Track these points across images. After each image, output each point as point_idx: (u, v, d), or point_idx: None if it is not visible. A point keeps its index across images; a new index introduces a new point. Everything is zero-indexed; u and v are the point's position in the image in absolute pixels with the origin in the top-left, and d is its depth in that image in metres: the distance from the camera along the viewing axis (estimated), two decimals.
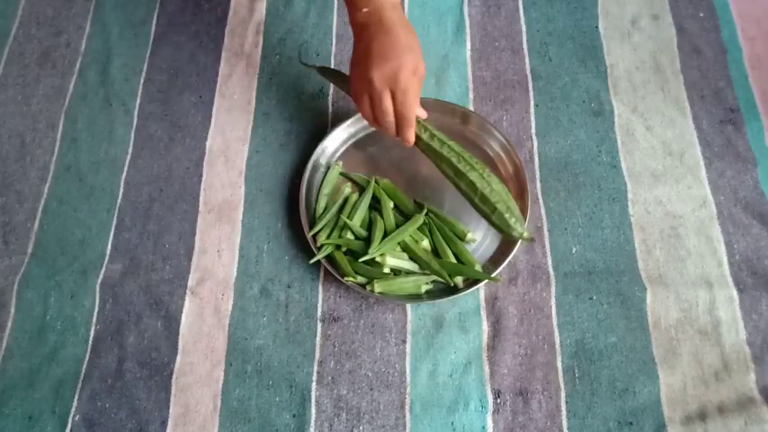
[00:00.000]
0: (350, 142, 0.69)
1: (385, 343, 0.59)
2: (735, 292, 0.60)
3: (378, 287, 0.58)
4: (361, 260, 0.59)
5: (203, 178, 0.66)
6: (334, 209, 0.64)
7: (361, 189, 0.66)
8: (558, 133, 0.68)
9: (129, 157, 0.68)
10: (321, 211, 0.65)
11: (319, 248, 0.61)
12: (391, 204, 0.64)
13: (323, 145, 0.67)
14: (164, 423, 0.56)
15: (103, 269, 0.62)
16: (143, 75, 0.73)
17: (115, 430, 0.56)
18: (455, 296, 0.59)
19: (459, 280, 0.60)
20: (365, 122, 0.64)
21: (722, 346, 0.57)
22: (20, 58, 0.74)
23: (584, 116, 0.69)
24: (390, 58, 0.50)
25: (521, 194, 0.63)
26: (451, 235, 0.62)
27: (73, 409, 0.56)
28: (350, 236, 0.62)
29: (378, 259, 0.59)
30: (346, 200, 0.65)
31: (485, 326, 0.59)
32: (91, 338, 0.59)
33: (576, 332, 0.58)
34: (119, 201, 0.65)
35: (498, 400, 0.56)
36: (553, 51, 0.73)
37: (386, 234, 0.62)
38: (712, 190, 0.64)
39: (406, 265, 0.61)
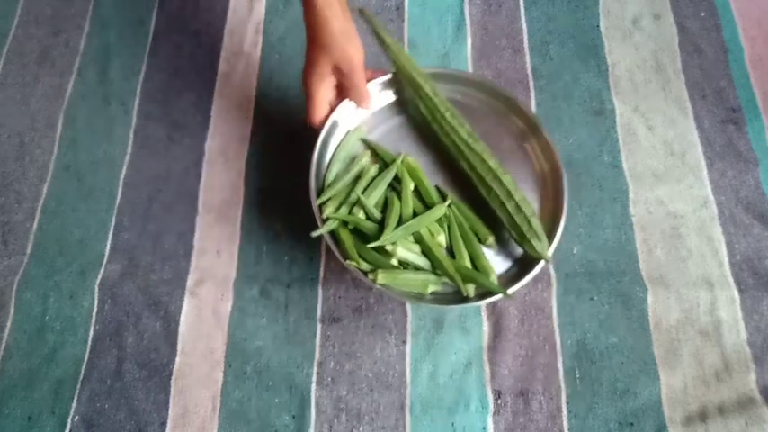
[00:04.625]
0: (377, 108, 0.62)
1: (385, 344, 0.58)
2: (736, 293, 0.59)
3: (382, 278, 0.52)
4: (370, 245, 0.52)
5: (202, 178, 0.66)
6: (347, 179, 0.56)
7: (383, 163, 0.59)
8: (560, 133, 0.68)
9: (128, 157, 0.68)
10: (332, 179, 0.57)
11: (324, 222, 0.54)
12: (412, 186, 0.57)
13: (347, 104, 0.59)
14: (163, 424, 0.56)
15: (102, 269, 0.62)
16: (142, 74, 0.72)
17: (114, 431, 0.55)
18: (461, 305, 0.55)
19: (471, 288, 0.53)
20: (395, 87, 0.62)
21: (723, 346, 0.57)
22: (19, 57, 0.74)
23: (585, 116, 0.69)
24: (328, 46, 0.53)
25: (554, 201, 0.57)
26: (471, 235, 0.55)
27: (72, 409, 0.56)
28: (361, 215, 0.55)
29: (388, 248, 0.53)
30: (362, 172, 0.58)
31: (485, 326, 0.59)
32: (90, 339, 0.59)
33: (577, 333, 0.58)
34: (117, 201, 0.65)
35: (499, 401, 0.56)
36: (554, 50, 0.73)
37: (401, 221, 0.55)
38: (713, 190, 0.64)
39: (417, 259, 0.54)
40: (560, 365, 0.57)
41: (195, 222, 0.64)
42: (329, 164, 0.59)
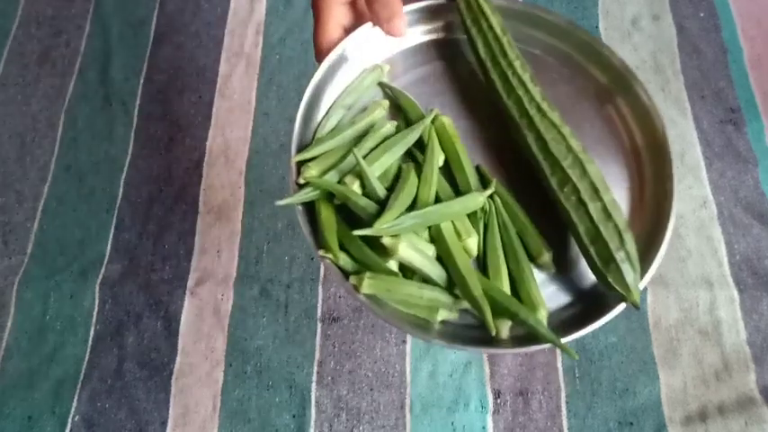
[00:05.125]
0: (409, 43, 0.44)
1: (385, 343, 0.58)
2: (735, 293, 0.59)
3: (368, 286, 0.35)
4: (358, 232, 0.34)
5: (203, 178, 0.66)
6: (348, 134, 0.40)
7: (404, 122, 0.41)
8: None
9: (128, 157, 0.68)
10: (327, 131, 0.40)
11: (301, 187, 0.37)
12: (441, 159, 0.39)
13: (367, 31, 0.41)
14: (163, 423, 0.56)
15: (103, 269, 0.62)
16: (143, 75, 0.73)
17: (115, 431, 0.56)
18: (486, 349, 0.39)
19: (504, 327, 0.35)
20: (440, 19, 0.44)
21: (722, 346, 0.57)
22: (19, 57, 0.74)
23: None
24: None
25: (654, 203, 0.39)
26: (518, 246, 0.38)
27: (72, 409, 0.56)
28: (357, 186, 0.37)
29: (386, 242, 0.34)
30: (371, 128, 0.40)
31: None
32: (90, 339, 0.59)
33: None
34: (118, 201, 0.65)
35: (498, 401, 0.56)
36: None
37: (415, 206, 0.37)
38: (713, 190, 0.64)
39: (428, 267, 0.36)
40: (560, 365, 0.57)
41: (196, 222, 0.64)
42: (329, 111, 0.41)
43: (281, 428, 0.55)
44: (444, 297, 0.36)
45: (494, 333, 0.34)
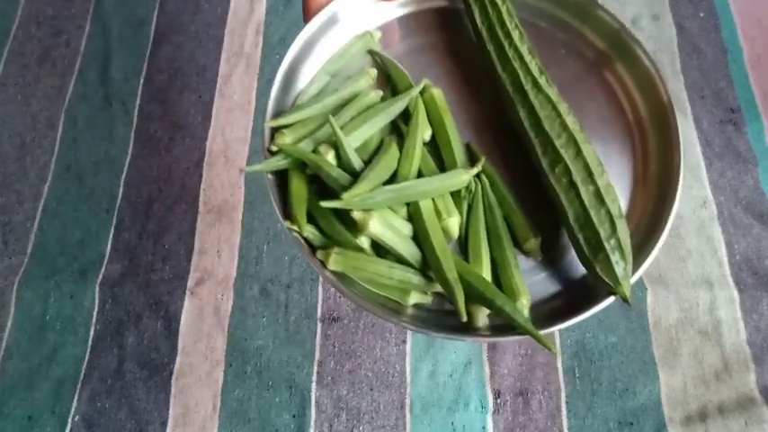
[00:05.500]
0: (405, 10, 0.42)
1: (385, 343, 0.58)
2: (735, 293, 0.59)
3: (335, 262, 0.33)
4: (325, 203, 0.32)
5: (203, 178, 0.66)
6: (329, 102, 0.37)
7: (392, 92, 0.39)
8: None
9: (128, 157, 0.68)
10: (308, 98, 0.38)
11: (274, 155, 0.35)
12: (428, 134, 0.37)
13: None
14: (163, 423, 0.56)
15: (103, 269, 0.62)
16: (143, 75, 0.73)
17: (115, 431, 0.56)
18: (459, 337, 0.33)
19: (480, 315, 0.33)
20: None
21: (722, 346, 0.57)
22: (20, 57, 0.74)
23: None
24: None
25: (657, 187, 0.36)
26: (504, 230, 0.35)
27: (72, 409, 0.56)
28: (331, 156, 0.35)
29: (356, 216, 0.32)
30: (355, 97, 0.38)
31: None
32: (90, 339, 0.59)
33: (577, 332, 0.58)
34: (118, 201, 0.65)
35: (498, 400, 0.56)
36: None
37: (394, 179, 0.35)
38: (713, 190, 0.64)
39: (402, 245, 0.33)
40: (560, 365, 0.57)
41: (196, 222, 0.64)
42: (313, 78, 0.39)
43: (281, 428, 0.55)
44: (416, 278, 0.34)
45: (463, 319, 0.31)
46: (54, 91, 0.72)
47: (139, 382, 0.57)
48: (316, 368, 0.57)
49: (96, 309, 0.60)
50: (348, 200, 0.32)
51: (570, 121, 0.34)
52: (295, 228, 0.34)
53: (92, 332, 0.59)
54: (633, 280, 0.32)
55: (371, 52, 0.40)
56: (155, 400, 0.56)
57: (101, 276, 0.62)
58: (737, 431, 0.54)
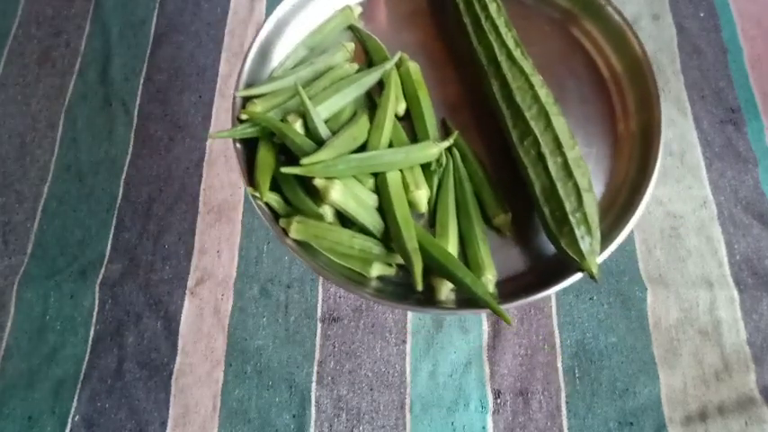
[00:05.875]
0: None
1: (385, 343, 0.58)
2: (735, 293, 0.59)
3: (296, 230, 0.33)
4: (285, 169, 0.32)
5: (203, 178, 0.66)
6: (304, 74, 0.37)
7: (368, 64, 0.40)
8: None
9: (128, 157, 0.68)
10: (283, 70, 0.39)
11: (240, 122, 0.36)
12: (402, 108, 0.37)
13: None
14: (163, 423, 0.56)
15: (103, 269, 0.62)
16: (143, 75, 0.73)
17: (115, 431, 0.56)
18: (417, 310, 0.35)
19: (443, 288, 0.33)
20: None
21: (722, 346, 0.57)
22: (19, 57, 0.74)
23: None
24: None
25: (639, 159, 0.34)
26: (473, 205, 0.35)
27: (72, 409, 0.56)
28: (299, 126, 0.35)
29: (318, 183, 0.32)
30: (329, 70, 0.38)
31: (485, 326, 0.59)
32: (90, 339, 0.59)
33: (577, 332, 0.58)
34: (118, 201, 0.65)
35: (498, 401, 0.56)
36: None
37: (363, 149, 0.35)
38: (713, 190, 0.64)
39: (364, 215, 0.33)
40: (560, 365, 0.57)
41: (196, 222, 0.64)
42: (290, 51, 0.39)
43: (281, 428, 0.55)
44: (378, 249, 0.33)
45: (419, 288, 0.31)
46: (54, 91, 0.72)
47: (139, 382, 0.57)
48: (316, 368, 0.57)
49: (96, 309, 0.60)
50: (308, 166, 0.31)
51: (543, 93, 0.34)
52: (257, 194, 0.34)
53: (92, 332, 0.59)
54: (615, 245, 0.31)
55: (352, 28, 0.40)
56: (155, 400, 0.56)
57: (101, 276, 0.62)
58: (737, 431, 0.54)
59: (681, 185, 0.65)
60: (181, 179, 0.66)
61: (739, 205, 0.63)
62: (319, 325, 0.59)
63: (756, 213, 0.63)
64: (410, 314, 0.60)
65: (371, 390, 0.56)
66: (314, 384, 0.57)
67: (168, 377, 0.57)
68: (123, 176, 0.67)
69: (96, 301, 0.61)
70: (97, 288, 0.61)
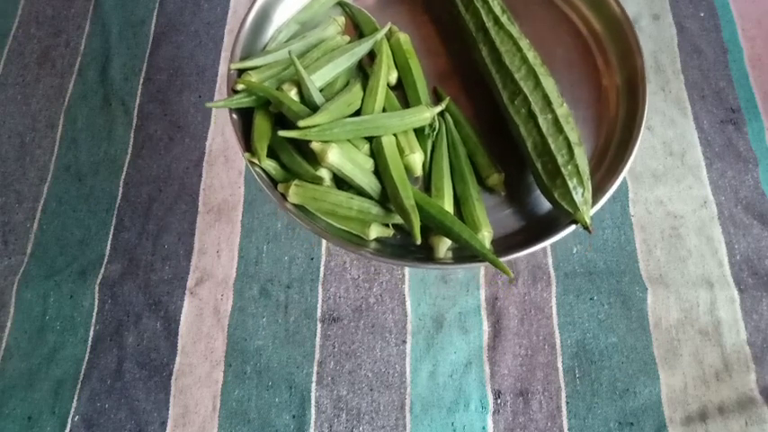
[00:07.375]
0: None
1: (385, 343, 0.58)
2: (735, 293, 0.59)
3: (294, 194, 0.34)
4: (282, 132, 0.33)
5: (203, 178, 0.66)
6: (297, 46, 0.39)
7: (359, 36, 0.41)
8: None
9: (128, 157, 0.68)
10: (276, 44, 0.40)
11: (235, 93, 0.37)
12: (393, 77, 0.39)
13: None
14: (163, 424, 0.56)
15: (102, 269, 0.62)
16: (142, 74, 0.73)
17: (115, 431, 0.56)
18: (416, 265, 0.35)
19: (442, 245, 0.34)
20: None
21: (723, 346, 0.57)
22: (19, 57, 0.74)
23: None
24: None
25: (625, 117, 0.36)
26: (467, 166, 0.37)
27: (72, 409, 0.56)
28: (294, 94, 0.36)
29: (314, 146, 0.33)
30: (320, 42, 0.39)
31: (485, 326, 0.59)
32: (90, 339, 0.59)
33: (577, 332, 0.58)
34: (118, 201, 0.65)
35: (498, 401, 0.56)
36: None
37: (357, 114, 0.36)
38: (713, 190, 0.64)
39: (361, 177, 0.35)
40: (560, 365, 0.57)
41: (195, 222, 0.64)
42: (282, 25, 0.41)
43: (281, 428, 0.55)
44: (376, 209, 0.34)
45: (418, 242, 0.32)
46: (54, 91, 0.72)
47: (139, 383, 0.57)
48: (315, 368, 0.57)
49: (96, 309, 0.60)
50: (305, 130, 0.33)
51: (531, 55, 0.36)
52: (255, 160, 0.35)
53: (91, 332, 0.59)
54: (607, 197, 0.33)
55: (341, 3, 0.42)
56: (154, 400, 0.56)
57: (100, 276, 0.62)
58: (737, 431, 0.54)
59: (681, 185, 0.65)
60: (180, 179, 0.66)
61: (740, 205, 0.63)
62: (319, 325, 0.59)
63: (757, 213, 0.63)
64: (410, 314, 0.60)
65: (371, 390, 0.56)
66: (314, 385, 0.57)
67: (168, 377, 0.57)
68: (123, 176, 0.67)
69: (96, 301, 0.61)
70: (97, 288, 0.61)
